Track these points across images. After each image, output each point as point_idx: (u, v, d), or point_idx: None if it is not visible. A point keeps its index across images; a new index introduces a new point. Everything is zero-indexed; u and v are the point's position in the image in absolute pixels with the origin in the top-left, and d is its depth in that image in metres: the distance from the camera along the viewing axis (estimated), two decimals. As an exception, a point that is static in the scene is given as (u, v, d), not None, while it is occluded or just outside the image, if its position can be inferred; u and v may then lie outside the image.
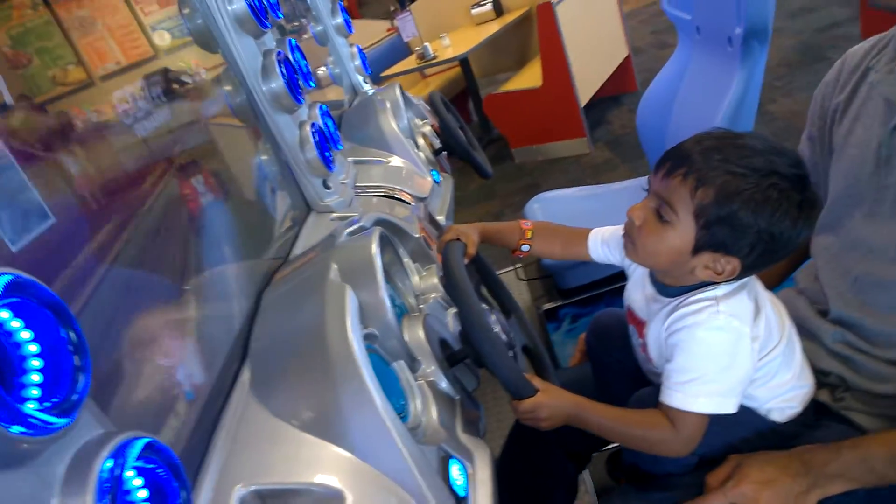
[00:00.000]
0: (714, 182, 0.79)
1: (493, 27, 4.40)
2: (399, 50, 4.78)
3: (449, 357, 0.99)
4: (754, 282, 0.90)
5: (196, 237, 0.92)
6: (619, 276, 1.86)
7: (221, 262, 0.99)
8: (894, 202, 0.89)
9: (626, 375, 1.09)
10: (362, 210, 1.35)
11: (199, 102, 1.09)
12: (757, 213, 0.78)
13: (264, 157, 1.28)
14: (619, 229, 1.02)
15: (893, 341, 0.90)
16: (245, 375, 0.82)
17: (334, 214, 1.33)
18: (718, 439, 0.91)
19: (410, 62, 4.26)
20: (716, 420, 0.91)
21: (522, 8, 4.55)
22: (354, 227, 1.04)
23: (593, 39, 4.07)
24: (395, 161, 1.66)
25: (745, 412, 0.92)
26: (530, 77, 4.00)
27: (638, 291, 0.99)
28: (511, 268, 2.32)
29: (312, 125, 1.32)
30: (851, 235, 0.96)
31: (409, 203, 1.47)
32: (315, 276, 0.89)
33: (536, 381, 0.91)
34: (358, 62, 2.21)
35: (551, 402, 0.90)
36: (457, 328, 1.09)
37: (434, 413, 0.86)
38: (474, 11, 4.65)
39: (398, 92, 1.82)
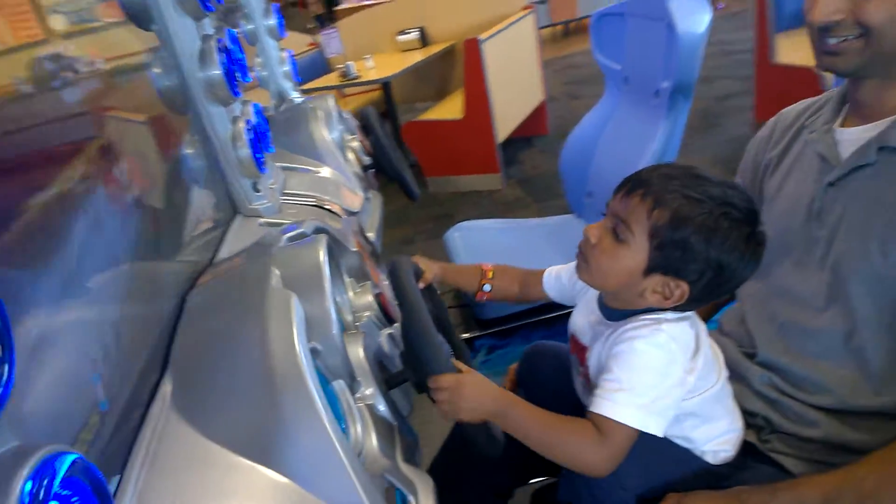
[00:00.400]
0: (670, 205, 0.81)
1: (418, 56, 4.42)
2: (318, 66, 4.70)
3: (388, 379, 0.93)
4: (697, 320, 0.92)
5: (102, 231, 0.80)
6: (537, 311, 1.87)
7: (136, 259, 0.87)
8: (823, 254, 0.94)
9: (562, 408, 1.07)
10: (294, 217, 1.26)
11: (104, 90, 0.96)
12: (708, 240, 0.80)
13: (189, 151, 1.17)
14: (571, 265, 1.05)
15: (819, 387, 0.94)
16: (166, 387, 0.72)
17: (262, 220, 1.23)
18: (657, 477, 0.91)
19: (332, 79, 4.18)
20: (655, 458, 0.91)
21: (448, 41, 4.61)
22: (294, 232, 0.96)
23: (514, 80, 4.18)
24: (325, 171, 1.58)
25: (682, 452, 0.93)
26: (451, 109, 4.04)
27: (583, 317, 0.99)
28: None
29: (247, 122, 1.23)
30: (778, 283, 1.00)
31: (339, 215, 1.40)
32: (253, 281, 0.81)
33: (463, 367, 0.86)
34: (287, 68, 2.12)
35: (476, 384, 0.84)
36: (392, 350, 1.04)
37: (374, 439, 0.80)
38: (400, 38, 4.66)
39: (332, 102, 1.76)
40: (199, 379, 0.72)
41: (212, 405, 0.69)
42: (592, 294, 0.99)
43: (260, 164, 1.24)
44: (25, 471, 0.36)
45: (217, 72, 1.14)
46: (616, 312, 0.91)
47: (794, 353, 0.97)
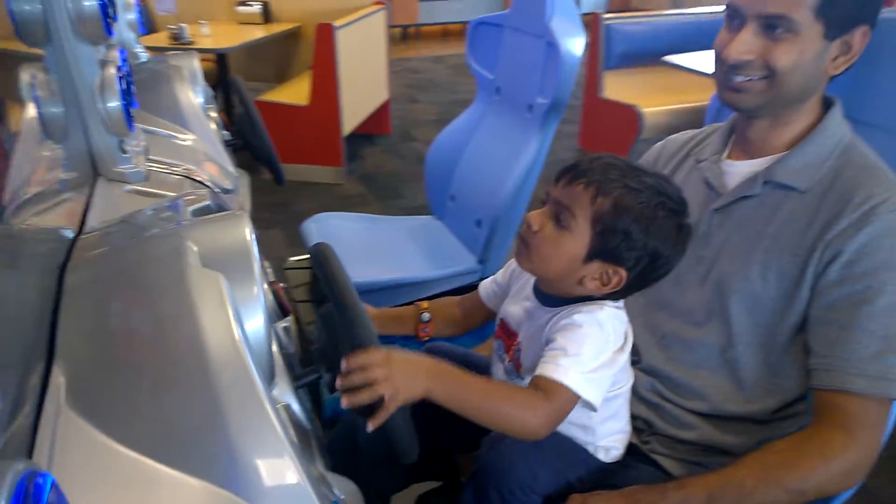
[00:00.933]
0: (612, 193, 0.84)
1: (259, 32, 4.17)
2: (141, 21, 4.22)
3: (297, 377, 0.84)
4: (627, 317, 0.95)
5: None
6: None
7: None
8: (705, 273, 1.03)
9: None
10: (164, 188, 1.09)
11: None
12: (647, 228, 0.84)
13: (44, 96, 0.97)
14: (501, 272, 1.08)
15: (696, 394, 1.02)
16: (58, 379, 0.57)
17: (129, 187, 1.05)
18: (561, 478, 0.94)
19: (160, 40, 3.77)
20: (559, 459, 0.94)
21: (293, 23, 4.40)
22: (201, 205, 0.83)
23: (363, 74, 4.11)
24: (190, 140, 1.40)
25: (581, 451, 0.97)
26: (295, 93, 3.85)
27: (516, 305, 0.99)
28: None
29: (119, 68, 1.04)
30: (660, 297, 1.08)
31: (211, 189, 1.24)
32: (164, 258, 0.68)
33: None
34: (133, 16, 1.85)
35: (405, 355, 0.79)
36: (288, 344, 0.94)
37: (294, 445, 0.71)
38: (240, 9, 4.35)
39: (197, 63, 1.57)
40: (107, 373, 0.58)
41: (129, 406, 0.56)
42: (526, 281, 0.99)
43: (129, 119, 1.06)
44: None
45: (92, 2, 0.95)
46: (555, 299, 0.92)
47: (674, 362, 1.05)
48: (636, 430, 1.06)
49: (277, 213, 3.53)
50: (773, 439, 0.94)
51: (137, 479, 0.51)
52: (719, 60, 0.98)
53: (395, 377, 0.75)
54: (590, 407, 0.86)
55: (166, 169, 1.23)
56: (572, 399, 0.83)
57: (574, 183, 0.85)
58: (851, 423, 0.88)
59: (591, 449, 0.97)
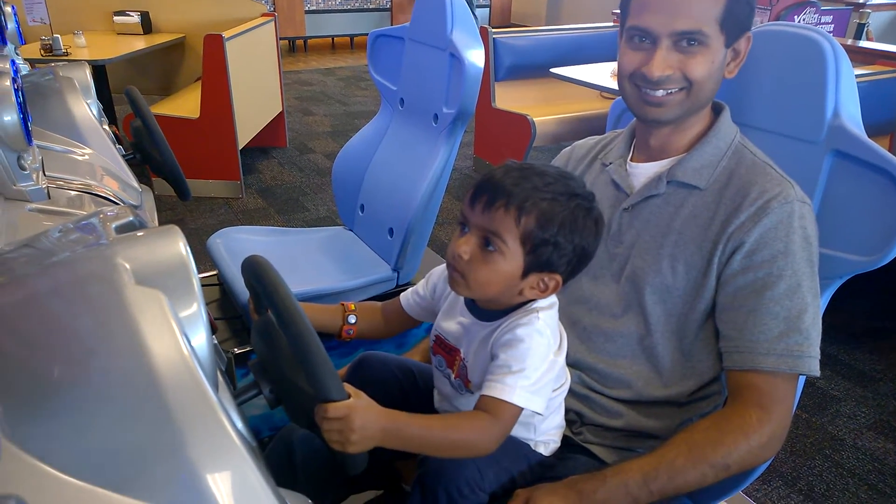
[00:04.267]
0: (533, 210, 0.87)
1: (140, 43, 3.96)
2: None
3: (238, 393, 0.82)
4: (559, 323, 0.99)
5: None
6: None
7: None
8: (620, 268, 1.10)
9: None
10: (68, 206, 1.03)
11: None
12: (572, 232, 0.88)
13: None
14: (421, 281, 1.10)
15: (620, 382, 1.08)
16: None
17: (32, 205, 0.98)
18: (505, 473, 0.96)
19: (32, 51, 3.50)
20: (505, 456, 0.96)
21: (176, 34, 4.23)
22: (123, 222, 0.79)
23: (255, 86, 4.00)
24: (88, 154, 1.32)
25: (524, 447, 1.00)
26: (183, 106, 3.68)
27: (450, 321, 1.00)
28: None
29: (13, 79, 0.97)
30: (577, 293, 1.14)
31: (115, 203, 1.18)
32: (96, 277, 0.64)
33: (348, 388, 0.80)
34: (12, 25, 1.72)
35: (367, 409, 0.79)
36: (220, 360, 0.91)
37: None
38: (118, 19, 4.12)
39: (89, 73, 1.48)
40: (43, 404, 0.54)
41: (70, 434, 0.52)
42: (455, 298, 1.00)
43: (28, 134, 0.99)
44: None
45: (-16, 9, 0.88)
46: (492, 313, 0.94)
47: (596, 353, 1.11)
48: (568, 422, 1.10)
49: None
50: (693, 420, 1.01)
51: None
52: (634, 78, 1.03)
53: (351, 434, 0.76)
54: (537, 414, 0.90)
55: (66, 185, 1.16)
56: (517, 413, 0.87)
57: (494, 207, 0.87)
58: (765, 400, 0.96)
59: (531, 444, 1.01)
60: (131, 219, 0.80)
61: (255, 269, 0.78)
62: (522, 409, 0.87)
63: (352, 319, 1.10)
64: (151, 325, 0.58)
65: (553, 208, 0.87)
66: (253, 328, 0.87)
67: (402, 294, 1.13)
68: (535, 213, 0.86)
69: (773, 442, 0.96)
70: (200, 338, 0.66)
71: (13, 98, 0.94)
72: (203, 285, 1.90)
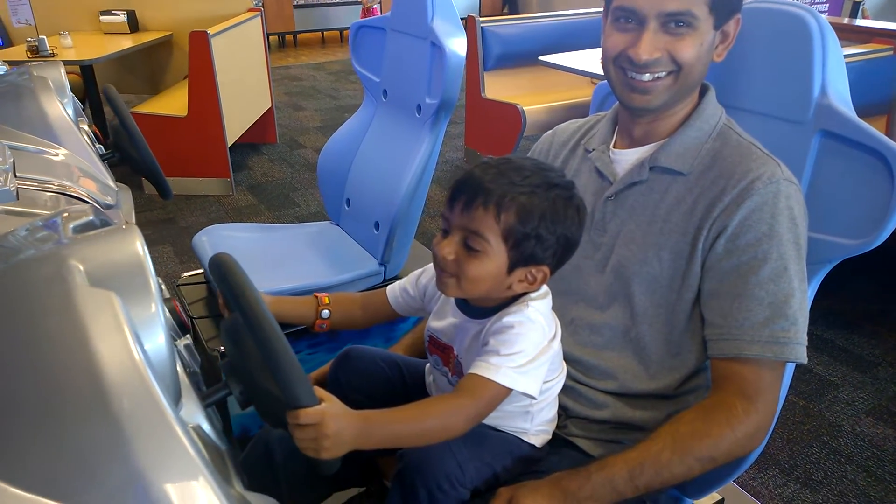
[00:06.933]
0: (512, 206, 0.85)
1: (127, 42, 3.93)
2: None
3: (205, 395, 0.79)
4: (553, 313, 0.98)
5: None
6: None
7: None
8: (604, 258, 1.07)
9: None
10: (37, 207, 1.00)
11: None
12: (554, 224, 0.87)
13: None
14: (409, 277, 1.07)
15: (605, 374, 1.06)
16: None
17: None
18: (487, 468, 0.94)
19: (18, 53, 3.46)
20: (488, 451, 0.95)
21: (163, 31, 4.19)
22: (82, 221, 0.76)
23: (243, 82, 3.97)
24: (62, 155, 1.29)
25: (508, 440, 0.98)
26: (171, 104, 3.65)
27: (442, 321, 0.99)
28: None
29: (-26, 80, 0.95)
30: (563, 285, 1.11)
31: (91, 205, 1.15)
32: (45, 280, 0.62)
33: (320, 392, 0.77)
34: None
35: (339, 414, 0.76)
36: (191, 363, 0.89)
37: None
38: (104, 18, 4.08)
39: (63, 72, 1.45)
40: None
41: (13, 443, 0.50)
42: (446, 299, 1.00)
43: (-9, 135, 0.97)
44: None
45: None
46: (483, 310, 0.93)
47: (582, 345, 1.09)
48: (553, 415, 1.08)
49: (165, 228, 3.34)
50: (679, 412, 0.99)
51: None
52: (619, 61, 0.99)
53: (324, 441, 0.74)
54: (529, 396, 0.89)
55: (38, 186, 1.13)
56: (501, 393, 0.86)
57: (472, 207, 0.86)
58: (750, 389, 0.93)
59: (524, 436, 0.99)
60: (91, 218, 0.77)
61: (220, 270, 0.76)
62: (507, 389, 0.85)
63: (325, 314, 1.08)
64: (100, 329, 0.56)
65: (532, 201, 0.86)
66: (221, 328, 0.85)
67: (388, 287, 1.11)
68: (515, 208, 0.85)
69: (759, 433, 0.94)
70: (158, 340, 0.63)
71: (-27, 98, 0.92)
72: (189, 284, 1.89)
